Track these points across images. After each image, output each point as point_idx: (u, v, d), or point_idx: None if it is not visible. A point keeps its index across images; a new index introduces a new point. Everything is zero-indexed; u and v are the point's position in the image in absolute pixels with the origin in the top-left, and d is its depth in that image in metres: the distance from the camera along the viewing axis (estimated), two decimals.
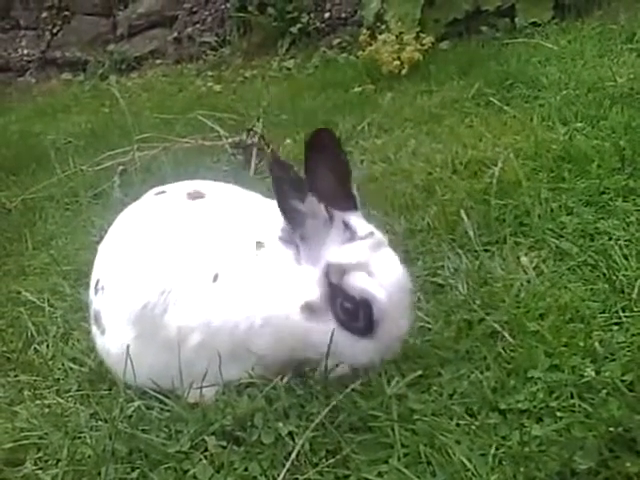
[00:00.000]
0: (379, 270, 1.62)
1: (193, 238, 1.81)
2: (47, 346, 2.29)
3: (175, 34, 7.28)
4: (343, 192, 1.69)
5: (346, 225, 1.66)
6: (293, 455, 1.51)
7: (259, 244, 1.73)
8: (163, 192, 2.02)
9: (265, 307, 1.68)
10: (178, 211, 1.89)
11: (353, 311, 1.61)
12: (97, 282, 1.93)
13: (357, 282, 1.61)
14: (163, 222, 1.88)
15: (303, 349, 1.68)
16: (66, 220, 3.50)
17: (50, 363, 2.17)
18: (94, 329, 1.95)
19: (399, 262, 1.68)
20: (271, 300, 1.67)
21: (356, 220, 1.69)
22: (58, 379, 2.09)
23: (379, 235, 1.70)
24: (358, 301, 1.60)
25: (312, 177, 1.63)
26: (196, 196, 1.93)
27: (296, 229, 1.66)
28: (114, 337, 1.86)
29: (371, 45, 4.80)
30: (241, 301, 1.69)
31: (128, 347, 1.78)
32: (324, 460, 1.52)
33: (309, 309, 1.64)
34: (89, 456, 1.67)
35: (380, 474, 1.47)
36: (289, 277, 1.67)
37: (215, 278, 1.73)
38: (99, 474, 1.60)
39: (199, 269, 1.75)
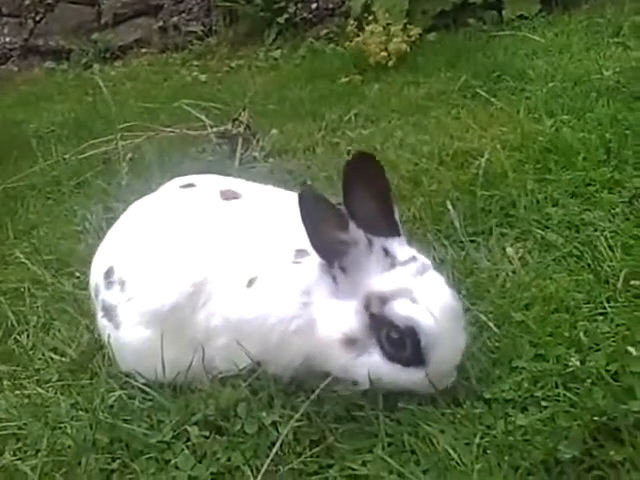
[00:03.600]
0: (424, 295, 1.52)
1: (229, 241, 1.75)
2: (27, 336, 2.25)
3: (160, 23, 7.20)
4: (384, 218, 1.61)
5: (386, 252, 1.57)
6: (277, 445, 1.49)
7: (301, 252, 1.66)
8: (191, 185, 1.96)
9: (302, 324, 1.61)
10: (212, 210, 1.84)
11: (399, 341, 1.52)
12: (110, 273, 1.85)
13: (400, 310, 1.51)
14: (195, 220, 1.83)
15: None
16: (48, 209, 3.46)
17: (30, 353, 2.14)
18: (104, 321, 1.87)
19: (446, 285, 1.59)
20: (309, 323, 1.61)
21: (397, 246, 1.60)
22: (38, 369, 2.06)
23: (422, 259, 1.61)
24: (403, 330, 1.50)
25: (351, 203, 1.55)
26: (231, 196, 1.87)
27: (334, 262, 1.58)
28: (132, 333, 1.79)
29: (358, 36, 4.78)
30: (277, 307, 1.64)
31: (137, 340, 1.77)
32: (308, 450, 1.51)
33: (349, 341, 1.56)
34: (69, 446, 1.64)
35: (364, 463, 1.46)
36: (329, 307, 1.60)
37: (251, 283, 1.68)
38: (79, 464, 1.58)
39: (234, 272, 1.70)
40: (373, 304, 1.54)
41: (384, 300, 1.53)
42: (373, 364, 1.54)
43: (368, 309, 1.55)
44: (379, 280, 1.56)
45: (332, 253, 1.58)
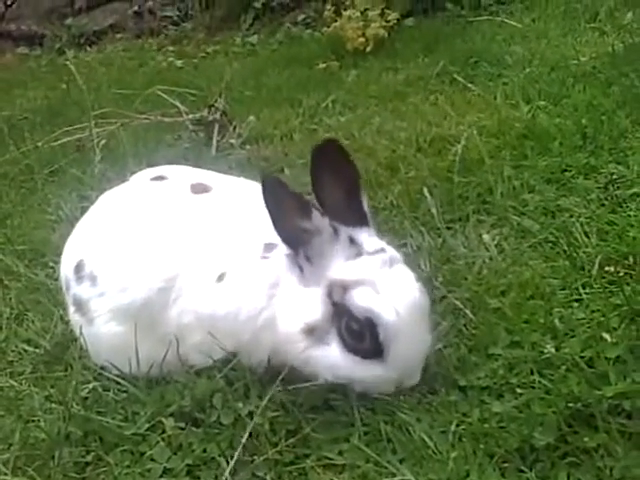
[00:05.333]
0: (388, 288, 1.49)
1: (199, 236, 1.73)
2: (0, 328, 2.21)
3: (135, 8, 7.09)
4: (351, 206, 1.59)
5: (352, 241, 1.55)
6: (247, 434, 1.48)
7: (269, 246, 1.64)
8: (162, 178, 1.93)
9: (268, 317, 1.60)
10: (182, 205, 1.81)
11: (358, 331, 1.48)
12: (80, 267, 1.83)
13: (360, 300, 1.48)
14: (166, 215, 1.80)
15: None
16: (21, 198, 3.39)
17: (3, 345, 2.10)
18: (76, 317, 1.85)
19: (414, 280, 1.55)
20: (274, 315, 1.59)
21: (365, 236, 1.58)
22: (12, 361, 2.03)
23: (391, 252, 1.58)
24: (362, 321, 1.47)
25: (319, 190, 1.54)
26: (201, 189, 1.84)
27: (299, 250, 1.56)
28: (106, 328, 1.78)
29: (336, 21, 4.75)
30: (247, 303, 1.62)
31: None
32: (284, 440, 1.50)
33: (310, 331, 1.53)
34: (42, 440, 1.62)
35: (340, 453, 1.46)
36: (294, 296, 1.58)
37: (220, 278, 1.66)
38: (53, 458, 1.56)
39: (204, 267, 1.68)
40: (335, 292, 1.52)
41: (345, 288, 1.51)
42: (331, 355, 1.52)
43: (330, 297, 1.52)
44: (342, 268, 1.54)
45: (296, 241, 1.56)
